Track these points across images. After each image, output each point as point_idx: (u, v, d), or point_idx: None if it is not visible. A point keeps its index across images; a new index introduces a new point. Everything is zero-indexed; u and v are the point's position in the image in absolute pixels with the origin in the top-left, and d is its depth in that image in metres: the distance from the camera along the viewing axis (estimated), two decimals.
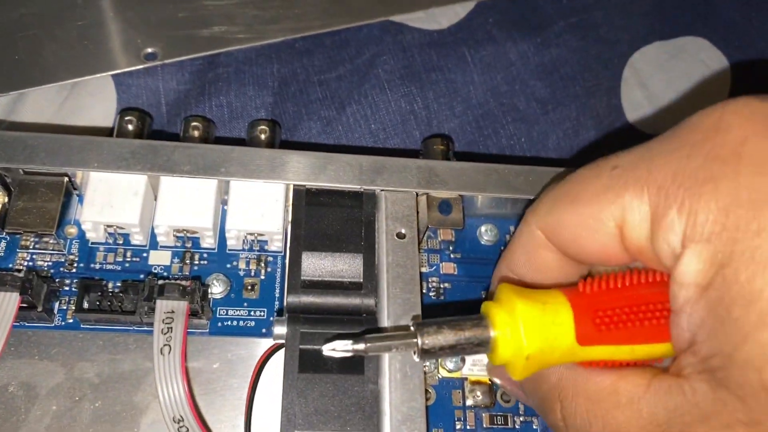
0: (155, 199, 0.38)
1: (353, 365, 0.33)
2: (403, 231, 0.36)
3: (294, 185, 0.37)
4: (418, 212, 0.38)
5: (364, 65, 0.50)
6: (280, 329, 0.33)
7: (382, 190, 0.37)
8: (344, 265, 0.35)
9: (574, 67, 0.52)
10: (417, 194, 0.38)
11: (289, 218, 0.38)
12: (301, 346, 0.33)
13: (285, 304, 0.35)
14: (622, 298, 0.27)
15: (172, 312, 0.35)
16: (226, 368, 0.38)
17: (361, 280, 0.35)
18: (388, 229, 0.36)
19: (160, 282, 0.36)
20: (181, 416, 0.34)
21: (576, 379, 0.28)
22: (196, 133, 0.41)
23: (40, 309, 0.36)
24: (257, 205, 0.38)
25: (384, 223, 0.36)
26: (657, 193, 0.25)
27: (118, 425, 0.36)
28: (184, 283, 0.36)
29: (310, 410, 0.32)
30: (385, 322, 0.34)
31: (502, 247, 0.42)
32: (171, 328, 0.35)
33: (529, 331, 0.27)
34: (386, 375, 0.33)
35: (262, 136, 0.41)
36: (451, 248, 0.42)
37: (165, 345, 0.34)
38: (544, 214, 0.30)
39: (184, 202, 0.38)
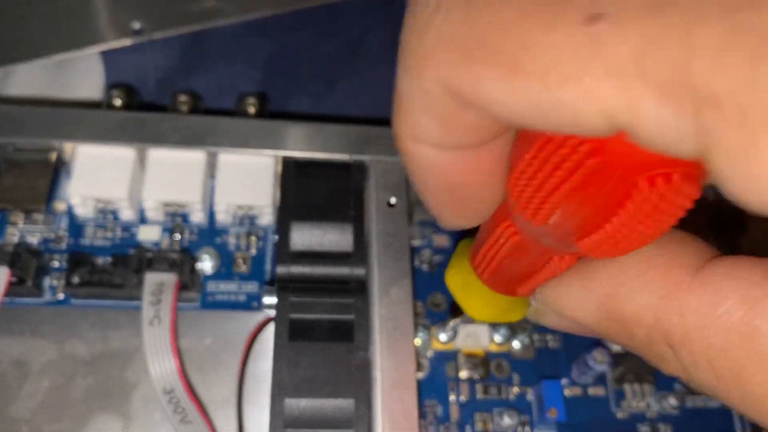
0: (144, 173, 0.38)
1: (343, 333, 0.33)
2: (392, 200, 0.36)
3: (283, 157, 0.37)
4: (408, 182, 0.38)
5: (354, 39, 0.49)
6: (270, 299, 0.33)
7: (371, 159, 0.37)
8: (334, 235, 0.35)
9: None
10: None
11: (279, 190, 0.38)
12: (291, 316, 0.33)
13: (275, 274, 0.35)
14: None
15: (162, 284, 0.35)
16: (218, 343, 0.37)
17: (351, 250, 0.35)
18: (377, 199, 0.36)
19: (149, 255, 0.36)
20: (172, 387, 0.33)
21: (685, 317, 0.19)
22: (184, 108, 0.40)
23: (30, 283, 0.36)
24: (246, 179, 0.38)
25: (374, 192, 0.36)
26: None
27: (111, 400, 0.36)
28: (172, 255, 0.36)
29: (301, 378, 0.31)
30: (375, 290, 0.34)
31: None
32: (160, 300, 0.35)
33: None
34: (376, 342, 0.32)
35: (251, 110, 0.41)
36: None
37: (155, 317, 0.34)
38: (452, 68, 0.17)
39: (173, 175, 0.38)
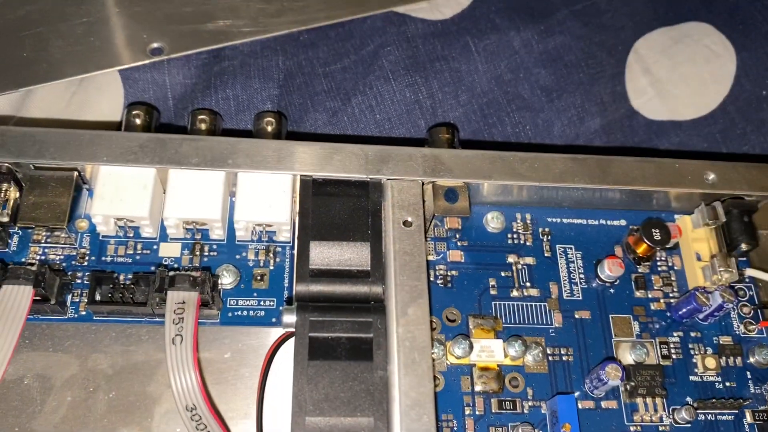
0: (164, 192, 0.39)
1: (362, 352, 0.33)
2: (409, 219, 0.37)
3: (301, 176, 0.37)
4: (424, 201, 0.38)
5: (368, 56, 0.50)
6: (290, 318, 0.34)
7: (388, 179, 0.38)
8: (352, 254, 0.36)
9: (578, 54, 0.52)
10: (423, 183, 0.38)
11: (297, 209, 0.38)
12: (310, 334, 0.33)
13: (294, 293, 0.35)
14: None
15: (183, 303, 0.36)
16: (237, 358, 0.38)
17: (369, 269, 0.36)
18: (394, 218, 0.36)
19: (171, 273, 0.36)
20: (194, 405, 0.34)
21: None
22: (203, 126, 0.41)
23: (53, 302, 0.36)
24: (265, 196, 0.38)
25: (390, 211, 0.37)
26: None
27: (132, 415, 0.37)
28: (194, 274, 0.36)
29: (321, 397, 0.32)
30: (393, 309, 0.34)
31: (509, 235, 0.43)
32: (182, 318, 0.35)
33: None
34: (395, 361, 0.33)
35: (269, 128, 0.42)
36: (457, 236, 0.42)
37: (177, 335, 0.35)
38: None
39: (193, 194, 0.38)
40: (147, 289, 0.37)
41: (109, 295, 0.37)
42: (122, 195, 0.38)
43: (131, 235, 0.40)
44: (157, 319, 0.38)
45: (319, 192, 0.37)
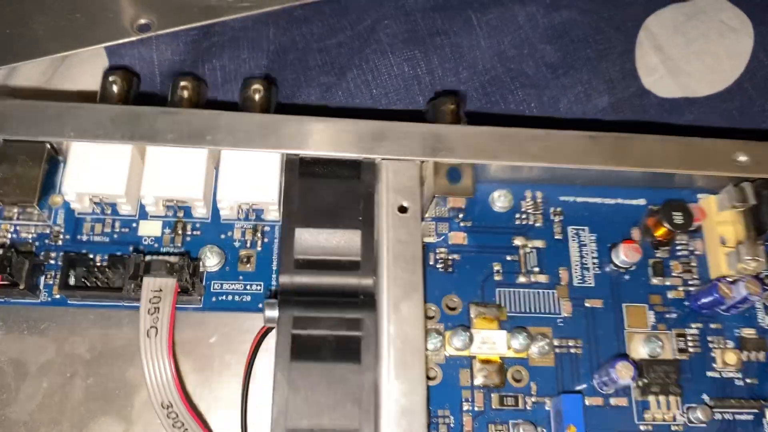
0: (143, 167, 0.36)
1: (349, 352, 0.31)
2: (405, 204, 0.33)
3: (286, 154, 0.34)
4: (424, 180, 0.35)
5: (365, 31, 0.46)
6: (272, 312, 0.31)
7: (382, 159, 0.34)
8: (341, 242, 0.33)
9: (586, 29, 0.48)
10: (421, 163, 0.35)
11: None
12: (293, 332, 0.31)
13: (277, 284, 0.33)
14: None
15: (160, 290, 0.33)
16: (222, 345, 0.36)
17: (359, 259, 0.33)
18: (388, 202, 0.33)
19: (147, 258, 0.34)
20: (170, 402, 0.32)
21: None
22: (185, 94, 0.38)
23: (22, 286, 0.34)
24: (251, 174, 0.35)
25: (385, 195, 0.33)
26: None
27: (112, 403, 0.35)
28: (171, 259, 0.34)
29: (303, 403, 0.30)
30: (384, 305, 0.31)
31: (517, 215, 0.39)
32: (158, 308, 0.33)
33: None
34: (384, 363, 0.30)
35: (256, 96, 0.38)
36: (460, 216, 0.39)
37: (151, 327, 0.32)
38: None
39: (174, 170, 0.35)
40: (124, 272, 0.35)
41: (83, 279, 0.35)
42: (97, 171, 0.35)
43: (108, 212, 0.37)
44: (136, 304, 0.35)
45: (306, 173, 0.34)
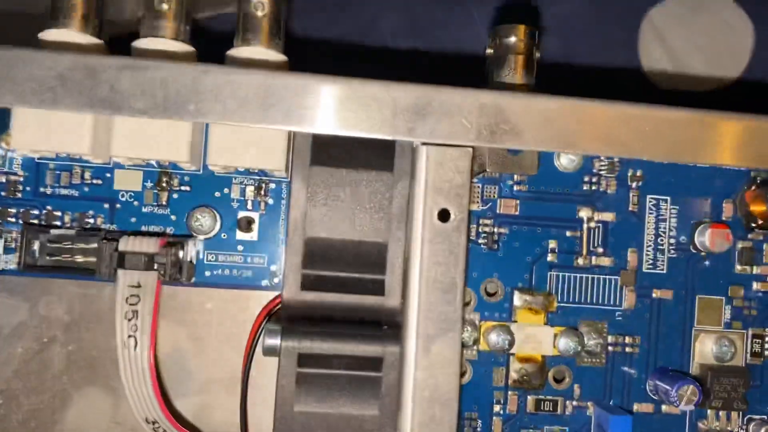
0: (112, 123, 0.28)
1: (365, 398, 0.25)
2: (448, 209, 0.25)
3: (294, 133, 0.26)
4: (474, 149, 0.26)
5: (365, 23, 0.41)
6: (272, 340, 0.25)
7: (423, 144, 0.25)
8: (362, 255, 0.26)
9: (588, 22, 0.44)
10: (474, 150, 0.26)
11: (292, 156, 0.27)
12: (299, 370, 0.25)
13: (281, 302, 0.26)
14: None
15: (138, 286, 0.27)
16: (222, 325, 0.31)
17: (384, 277, 0.26)
18: (426, 206, 0.25)
19: (120, 247, 0.27)
20: (155, 418, 0.28)
21: None
22: (164, 7, 0.28)
23: None
24: (250, 137, 0.27)
25: (422, 195, 0.25)
26: None
27: (96, 373, 0.31)
28: (150, 250, 0.27)
29: None
30: (411, 341, 0.25)
31: (586, 178, 0.31)
32: (136, 312, 0.27)
33: None
34: (408, 416, 0.25)
35: (259, 13, 0.28)
36: (515, 178, 0.31)
37: (130, 336, 0.27)
38: None
39: (152, 127, 0.27)
40: (95, 252, 0.28)
41: (48, 255, 0.29)
42: (52, 124, 0.27)
43: (77, 157, 0.29)
44: None
45: (320, 160, 0.25)
